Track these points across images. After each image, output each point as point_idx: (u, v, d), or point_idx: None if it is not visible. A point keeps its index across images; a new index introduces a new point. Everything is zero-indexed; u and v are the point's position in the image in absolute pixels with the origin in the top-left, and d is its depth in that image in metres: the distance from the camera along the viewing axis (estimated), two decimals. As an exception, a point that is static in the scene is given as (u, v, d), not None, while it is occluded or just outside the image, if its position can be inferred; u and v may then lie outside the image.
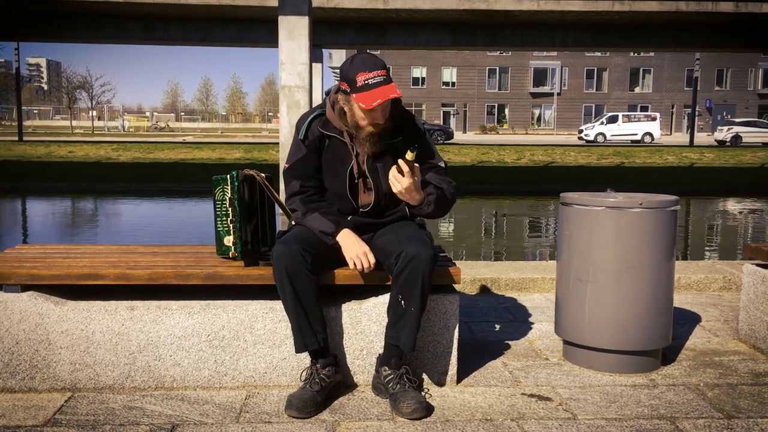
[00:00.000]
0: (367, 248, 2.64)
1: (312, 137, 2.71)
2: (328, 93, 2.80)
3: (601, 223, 2.89)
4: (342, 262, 2.68)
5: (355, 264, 2.62)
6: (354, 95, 2.54)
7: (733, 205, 18.39)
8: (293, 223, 2.80)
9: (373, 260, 2.63)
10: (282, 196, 2.88)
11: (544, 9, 21.89)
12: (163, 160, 25.57)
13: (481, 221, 15.29)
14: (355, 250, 2.62)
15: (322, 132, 2.71)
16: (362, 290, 2.81)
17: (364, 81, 2.51)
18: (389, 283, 2.70)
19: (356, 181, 2.72)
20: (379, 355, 2.71)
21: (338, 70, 2.55)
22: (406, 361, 2.68)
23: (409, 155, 2.50)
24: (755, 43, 25.31)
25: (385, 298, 2.75)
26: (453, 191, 2.77)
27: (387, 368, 2.61)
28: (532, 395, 2.71)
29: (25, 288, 2.69)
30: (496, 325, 3.68)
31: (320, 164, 2.75)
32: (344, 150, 2.72)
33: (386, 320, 2.73)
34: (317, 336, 2.58)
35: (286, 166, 2.76)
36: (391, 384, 2.58)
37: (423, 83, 57.57)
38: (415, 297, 2.56)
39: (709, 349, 3.33)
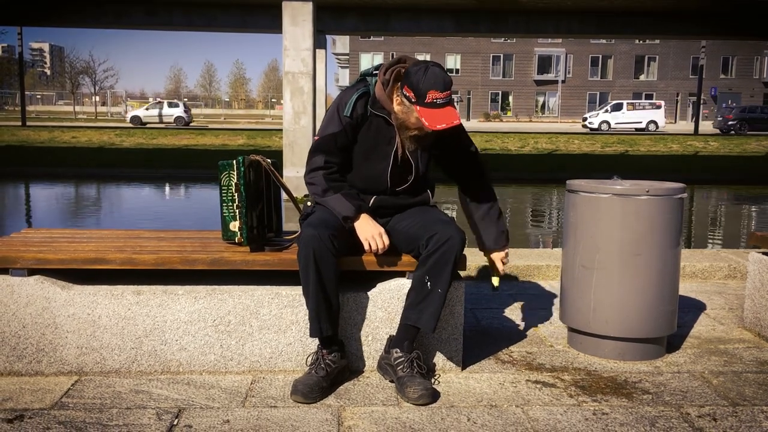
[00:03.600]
0: (381, 230, 2.64)
1: (355, 115, 2.68)
2: (366, 74, 2.75)
3: (608, 211, 2.88)
4: (358, 247, 2.68)
5: (370, 245, 2.61)
6: (419, 108, 2.53)
7: (737, 194, 18.34)
8: (309, 203, 2.79)
9: (387, 242, 2.63)
10: (287, 182, 2.86)
11: (550, -5, 21.78)
12: (166, 146, 25.55)
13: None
14: (369, 230, 2.62)
15: (369, 111, 2.68)
16: (368, 276, 2.81)
17: (433, 99, 2.50)
18: (397, 268, 2.71)
19: (399, 162, 2.73)
20: (390, 336, 2.72)
21: (407, 74, 2.55)
22: (418, 346, 2.69)
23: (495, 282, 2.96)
24: (761, 31, 25.13)
25: (391, 284, 2.76)
26: (490, 180, 2.95)
27: (398, 350, 2.62)
28: (536, 382, 2.71)
29: (32, 272, 2.69)
30: (501, 313, 3.69)
31: (353, 143, 2.71)
32: (389, 132, 2.71)
33: (392, 306, 2.74)
34: (333, 322, 2.59)
35: (317, 138, 2.72)
36: (400, 367, 2.58)
37: (427, 70, 57.23)
38: (444, 279, 2.57)
39: (714, 336, 3.33)
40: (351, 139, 2.70)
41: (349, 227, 2.64)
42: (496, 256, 2.91)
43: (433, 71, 2.52)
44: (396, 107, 2.63)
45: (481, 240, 2.92)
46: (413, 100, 2.53)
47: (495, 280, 2.96)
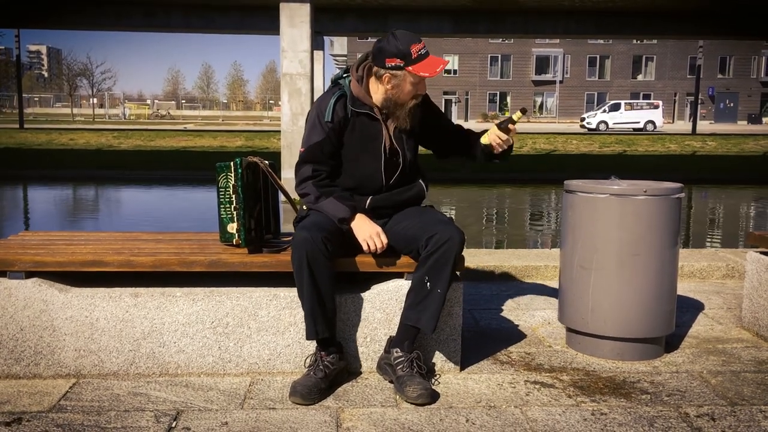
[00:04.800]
0: (379, 229, 2.64)
1: (337, 119, 2.68)
2: (337, 78, 2.77)
3: (606, 211, 2.88)
4: (353, 248, 2.68)
5: (368, 245, 2.62)
6: (412, 67, 2.57)
7: (735, 194, 18.36)
8: (305, 207, 2.79)
9: (385, 240, 2.63)
10: (285, 183, 2.86)
11: (547, -5, 21.80)
12: (164, 148, 25.54)
13: (482, 210, 15.27)
14: (367, 230, 2.62)
15: (352, 111, 2.69)
16: (366, 277, 2.81)
17: (418, 52, 2.58)
18: (394, 269, 2.71)
19: (388, 156, 2.74)
20: (390, 337, 2.72)
21: (379, 51, 2.62)
22: (418, 347, 2.69)
23: (518, 115, 2.76)
24: (759, 31, 25.17)
25: (389, 285, 2.75)
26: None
27: (398, 350, 2.62)
28: (535, 382, 2.71)
29: (29, 275, 2.69)
30: (499, 313, 3.69)
31: (338, 148, 2.71)
32: (374, 126, 2.72)
33: (390, 307, 2.74)
34: (329, 324, 2.59)
35: (302, 150, 2.73)
36: (400, 366, 2.58)
37: (425, 71, 57.22)
38: (443, 279, 2.58)
39: (712, 336, 3.34)
40: (337, 144, 2.71)
41: (346, 229, 2.64)
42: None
43: (402, 32, 2.62)
44: (385, 87, 2.64)
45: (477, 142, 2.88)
46: (402, 64, 2.57)
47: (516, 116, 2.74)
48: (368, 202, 2.75)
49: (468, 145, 2.94)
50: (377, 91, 2.68)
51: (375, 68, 2.64)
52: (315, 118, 2.70)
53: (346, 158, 2.73)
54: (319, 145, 2.69)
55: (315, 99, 15.68)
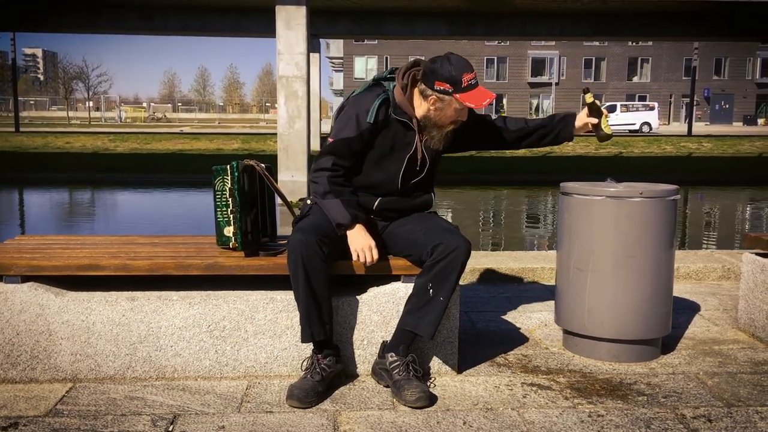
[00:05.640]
0: (373, 243, 2.64)
1: (377, 121, 2.67)
2: (381, 79, 2.75)
3: (602, 213, 2.89)
4: (347, 252, 2.68)
5: (358, 256, 2.62)
6: (459, 95, 2.57)
7: (731, 195, 18.40)
8: (309, 202, 2.79)
9: (376, 256, 2.63)
10: (282, 186, 2.86)
11: (543, -3, 21.84)
12: (160, 151, 25.53)
13: (478, 211, 15.28)
14: (360, 242, 2.62)
15: (391, 117, 2.68)
16: (363, 280, 2.81)
17: (469, 82, 2.58)
18: (393, 272, 2.71)
19: (414, 166, 2.74)
20: (385, 341, 2.72)
21: (431, 72, 2.61)
22: (413, 350, 2.69)
23: (589, 98, 2.91)
24: (754, 32, 25.26)
25: (386, 288, 2.76)
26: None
27: (394, 354, 2.62)
28: (532, 384, 2.71)
29: (26, 279, 2.68)
30: (496, 315, 3.69)
31: (366, 148, 2.70)
32: (409, 136, 2.72)
33: (387, 310, 2.74)
34: (325, 327, 2.58)
35: (330, 140, 2.70)
36: (396, 370, 2.58)
37: (421, 73, 57.20)
38: (447, 288, 2.58)
39: (708, 338, 3.34)
40: (367, 145, 2.70)
41: (342, 235, 2.65)
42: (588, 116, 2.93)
43: (456, 58, 2.60)
44: (429, 107, 2.64)
45: (572, 125, 2.96)
46: (451, 90, 2.57)
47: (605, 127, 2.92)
48: (377, 203, 2.76)
49: (537, 136, 2.98)
50: (420, 107, 2.68)
51: (423, 86, 2.63)
52: (353, 114, 2.67)
53: (371, 159, 2.72)
54: (347, 141, 2.67)
55: (310, 102, 15.51)
